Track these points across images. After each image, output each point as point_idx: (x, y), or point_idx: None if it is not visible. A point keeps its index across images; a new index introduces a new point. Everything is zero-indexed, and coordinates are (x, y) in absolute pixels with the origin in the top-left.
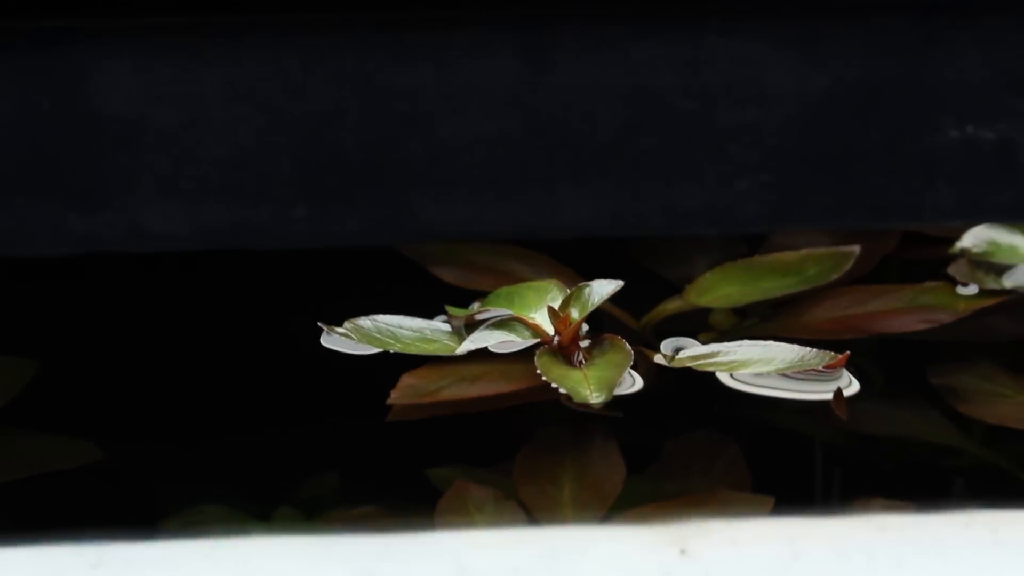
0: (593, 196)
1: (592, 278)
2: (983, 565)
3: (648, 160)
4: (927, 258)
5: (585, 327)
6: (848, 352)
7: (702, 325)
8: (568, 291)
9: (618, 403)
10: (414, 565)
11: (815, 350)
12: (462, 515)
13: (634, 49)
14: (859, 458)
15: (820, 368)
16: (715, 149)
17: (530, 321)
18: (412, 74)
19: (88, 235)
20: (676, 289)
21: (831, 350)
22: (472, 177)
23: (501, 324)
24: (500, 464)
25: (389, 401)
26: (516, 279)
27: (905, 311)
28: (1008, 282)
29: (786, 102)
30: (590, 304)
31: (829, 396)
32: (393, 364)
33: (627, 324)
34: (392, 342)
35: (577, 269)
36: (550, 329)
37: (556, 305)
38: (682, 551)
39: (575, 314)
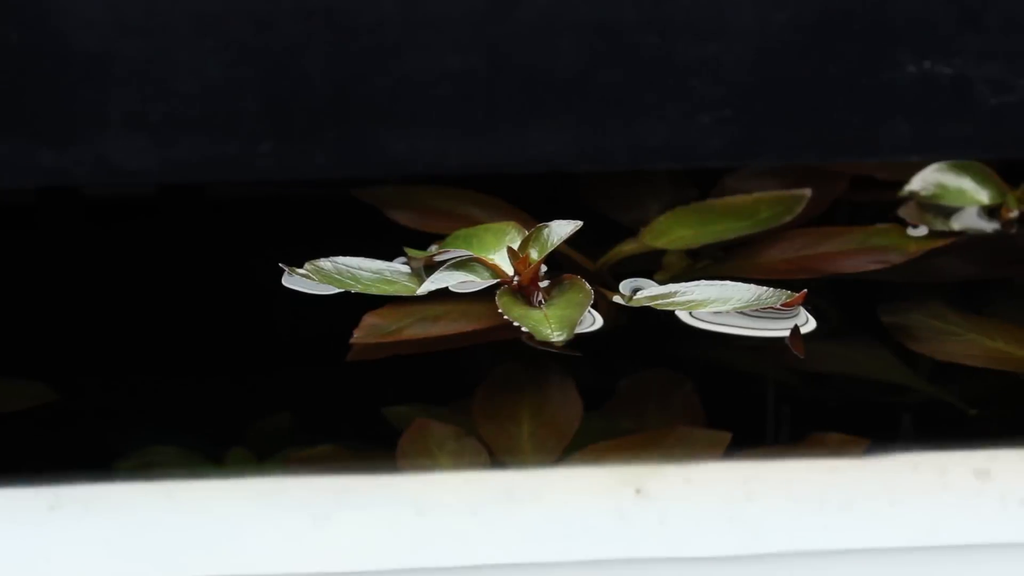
0: (558, 131)
1: (547, 220)
2: (931, 507)
3: (612, 95)
4: (876, 201)
5: (543, 268)
6: (805, 291)
7: (656, 267)
8: (526, 233)
9: (579, 341)
10: (372, 508)
11: (771, 289)
12: (424, 453)
13: None
14: (812, 396)
15: (778, 306)
16: (678, 84)
17: (489, 262)
18: (377, 8)
19: (57, 169)
20: (628, 231)
21: (786, 290)
22: (438, 112)
23: (461, 264)
24: (456, 403)
25: (352, 340)
26: (472, 222)
27: (857, 252)
28: (956, 224)
29: (747, 37)
30: (549, 244)
31: (786, 334)
32: (354, 304)
33: (583, 265)
34: (352, 283)
35: (531, 212)
36: (509, 270)
37: (515, 246)
38: (637, 491)
39: (534, 255)
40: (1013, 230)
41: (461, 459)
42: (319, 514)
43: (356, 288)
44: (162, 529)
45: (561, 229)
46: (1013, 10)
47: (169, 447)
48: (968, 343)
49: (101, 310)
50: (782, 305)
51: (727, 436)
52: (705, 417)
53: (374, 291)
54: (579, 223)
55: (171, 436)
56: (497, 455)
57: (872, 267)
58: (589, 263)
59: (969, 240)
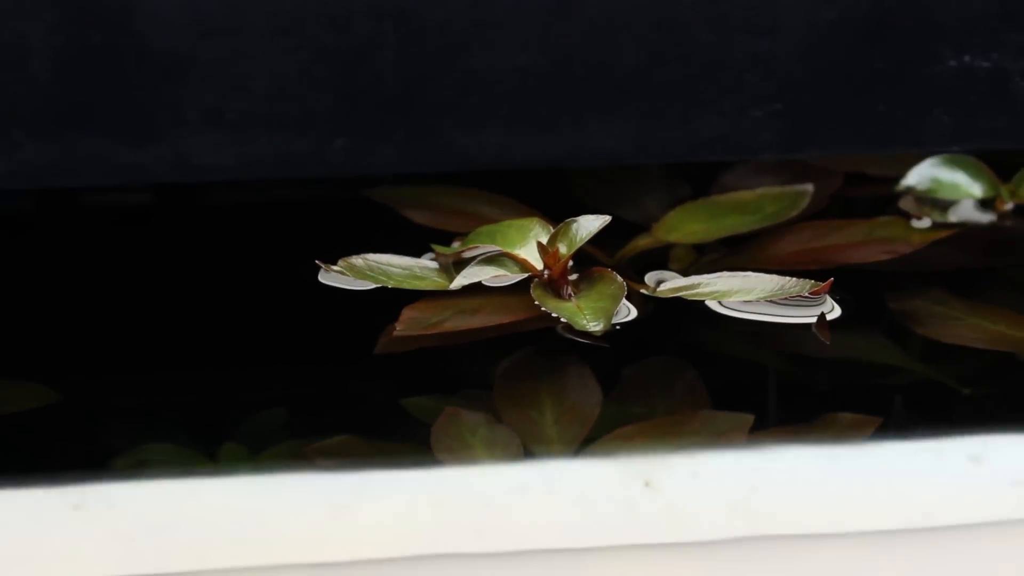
0: (618, 125)
1: (555, 217)
2: (928, 491)
3: (670, 90)
4: (871, 196)
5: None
6: (832, 279)
7: (664, 261)
8: (550, 228)
9: (615, 331)
10: (389, 499)
11: (794, 279)
12: (457, 440)
13: None
14: (826, 380)
15: (807, 294)
16: (733, 79)
17: (519, 257)
18: (446, 7)
19: (136, 166)
20: (632, 227)
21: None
22: (503, 108)
23: (491, 260)
24: (483, 394)
25: (396, 333)
26: (484, 219)
27: (864, 243)
28: (953, 216)
29: (797, 34)
30: (578, 240)
31: (813, 320)
32: (384, 301)
33: (601, 260)
34: (385, 279)
35: (540, 209)
36: (538, 264)
37: (541, 241)
38: (646, 483)
39: (563, 249)
40: (1008, 222)
41: (495, 446)
42: (337, 505)
43: (389, 283)
44: (185, 523)
45: (589, 224)
46: None
47: (172, 445)
48: (971, 327)
49: (128, 312)
50: (811, 293)
51: (750, 419)
52: (730, 400)
53: (407, 286)
54: (607, 218)
55: (180, 433)
56: (525, 442)
57: (881, 257)
58: (606, 257)
59: (966, 232)
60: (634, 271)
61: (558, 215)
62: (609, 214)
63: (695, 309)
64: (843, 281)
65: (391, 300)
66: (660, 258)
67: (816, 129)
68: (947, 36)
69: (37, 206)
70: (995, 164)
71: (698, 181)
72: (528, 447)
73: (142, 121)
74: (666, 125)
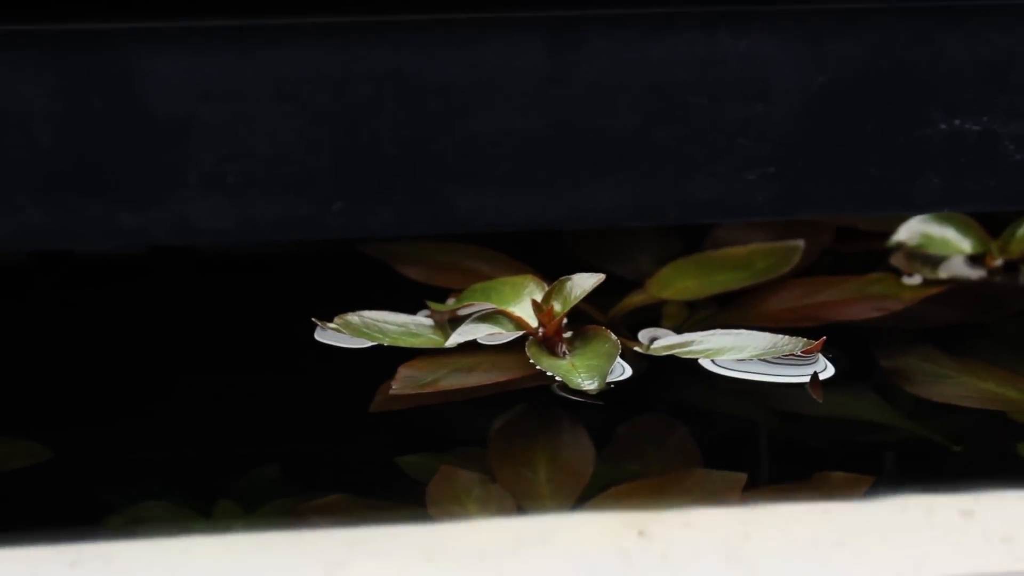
0: (614, 188)
1: (546, 273)
2: (920, 546)
3: (665, 154)
4: (862, 251)
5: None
6: (824, 338)
7: (657, 317)
8: (544, 285)
9: (609, 389)
10: (384, 556)
11: (787, 336)
12: (452, 500)
13: (651, 49)
14: (819, 438)
15: (799, 353)
16: (726, 142)
17: (514, 315)
18: (445, 72)
19: (137, 230)
20: (624, 283)
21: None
22: (501, 171)
23: (486, 318)
24: (477, 452)
25: (392, 392)
26: (479, 275)
27: (856, 300)
28: (944, 272)
29: (790, 98)
30: (572, 298)
31: (806, 379)
32: (379, 358)
33: (594, 317)
34: (380, 336)
35: (533, 265)
36: (533, 322)
37: (535, 298)
38: (640, 533)
39: (558, 307)
40: (998, 278)
41: (488, 505)
42: (333, 562)
43: (385, 341)
44: None
45: (584, 282)
46: None
47: (162, 502)
48: (961, 385)
49: (121, 368)
50: (803, 352)
51: (742, 477)
52: (723, 459)
53: (402, 344)
54: (601, 276)
55: (175, 490)
56: (520, 501)
57: (872, 314)
58: (599, 314)
59: (957, 288)
60: (627, 328)
61: (550, 269)
62: (601, 269)
63: (688, 367)
64: (835, 338)
65: (387, 357)
66: (653, 314)
67: (809, 191)
68: (938, 100)
69: (29, 260)
70: (984, 219)
71: (689, 235)
72: (522, 506)
73: (143, 185)
74: (661, 188)
